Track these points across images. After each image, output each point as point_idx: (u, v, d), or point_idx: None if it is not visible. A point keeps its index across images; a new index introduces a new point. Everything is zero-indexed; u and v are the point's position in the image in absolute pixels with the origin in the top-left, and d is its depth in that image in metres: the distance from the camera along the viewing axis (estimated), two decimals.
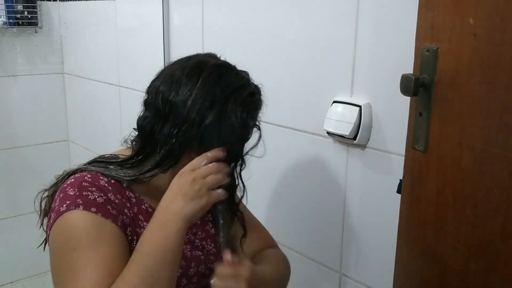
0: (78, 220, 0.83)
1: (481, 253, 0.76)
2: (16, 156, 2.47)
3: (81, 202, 0.83)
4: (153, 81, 0.93)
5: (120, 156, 0.95)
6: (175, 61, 0.94)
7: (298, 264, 1.36)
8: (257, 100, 0.94)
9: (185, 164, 0.88)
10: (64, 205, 0.83)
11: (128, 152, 0.95)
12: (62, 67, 2.54)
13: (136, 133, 0.94)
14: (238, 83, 0.90)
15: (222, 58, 0.96)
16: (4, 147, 2.43)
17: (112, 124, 2.16)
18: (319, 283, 1.33)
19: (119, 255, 0.83)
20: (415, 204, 0.86)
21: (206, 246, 1.02)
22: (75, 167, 0.93)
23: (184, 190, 0.83)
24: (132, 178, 0.90)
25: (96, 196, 0.85)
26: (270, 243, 1.15)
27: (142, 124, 0.91)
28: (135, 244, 0.88)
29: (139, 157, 0.92)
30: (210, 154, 0.87)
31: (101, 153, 0.98)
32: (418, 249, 0.87)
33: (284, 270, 1.10)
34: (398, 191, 0.93)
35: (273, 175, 1.40)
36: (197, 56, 0.95)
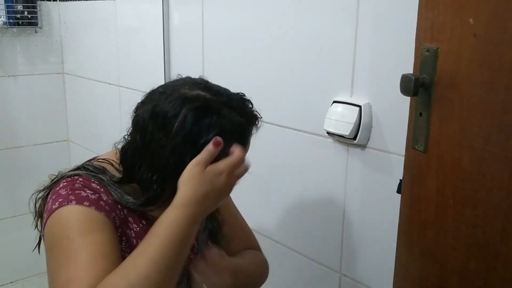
0: (71, 213, 0.82)
1: (481, 253, 0.76)
2: (16, 156, 2.47)
3: (73, 198, 0.84)
4: (140, 104, 0.90)
5: (109, 160, 0.95)
6: (164, 85, 0.91)
7: (298, 264, 1.36)
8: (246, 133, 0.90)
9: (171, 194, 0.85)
10: (57, 203, 0.84)
11: (112, 156, 0.95)
12: (62, 67, 2.53)
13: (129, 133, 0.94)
14: (219, 124, 0.84)
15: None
16: (4, 147, 2.43)
17: (112, 124, 2.16)
18: (319, 283, 1.33)
19: (112, 241, 0.83)
20: (415, 204, 0.86)
21: None
22: (69, 172, 0.92)
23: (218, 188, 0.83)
24: (131, 206, 0.91)
25: (89, 194, 0.85)
26: (253, 246, 1.15)
27: (125, 153, 0.91)
28: (124, 245, 0.89)
29: (126, 179, 0.92)
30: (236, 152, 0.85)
31: (101, 153, 0.98)
32: (418, 249, 0.87)
33: (260, 270, 1.12)
34: (398, 191, 0.93)
35: (273, 175, 1.40)
36: (183, 87, 0.88)
